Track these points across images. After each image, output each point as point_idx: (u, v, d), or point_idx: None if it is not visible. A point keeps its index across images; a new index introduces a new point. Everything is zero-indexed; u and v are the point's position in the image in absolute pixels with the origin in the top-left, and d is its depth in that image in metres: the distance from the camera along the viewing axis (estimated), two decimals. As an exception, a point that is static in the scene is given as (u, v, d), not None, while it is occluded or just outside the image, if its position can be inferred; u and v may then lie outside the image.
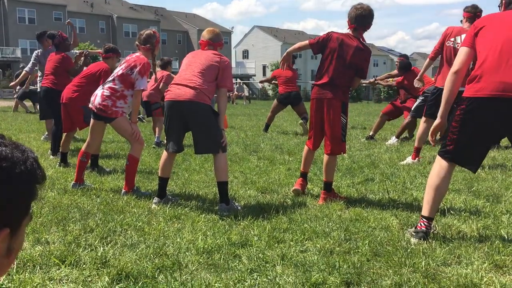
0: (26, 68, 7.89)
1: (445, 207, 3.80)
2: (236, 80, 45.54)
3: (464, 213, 3.67)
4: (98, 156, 5.63)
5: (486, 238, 3.05)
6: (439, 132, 3.16)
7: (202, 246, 2.89)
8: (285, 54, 4.51)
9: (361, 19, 4.02)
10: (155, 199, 3.97)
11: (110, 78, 4.35)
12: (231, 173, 5.11)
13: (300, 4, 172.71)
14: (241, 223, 3.41)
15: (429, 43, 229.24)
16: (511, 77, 2.73)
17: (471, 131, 2.90)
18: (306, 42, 4.24)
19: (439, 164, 3.04)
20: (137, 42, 4.37)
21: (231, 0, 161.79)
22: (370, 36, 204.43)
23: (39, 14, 46.34)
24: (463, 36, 5.52)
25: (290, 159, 6.33)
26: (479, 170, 5.43)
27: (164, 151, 4.03)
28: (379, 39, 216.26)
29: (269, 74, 52.42)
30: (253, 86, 56.30)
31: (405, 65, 8.39)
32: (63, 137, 5.74)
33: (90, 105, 4.38)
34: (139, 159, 4.47)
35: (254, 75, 60.86)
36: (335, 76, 4.01)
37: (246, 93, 37.72)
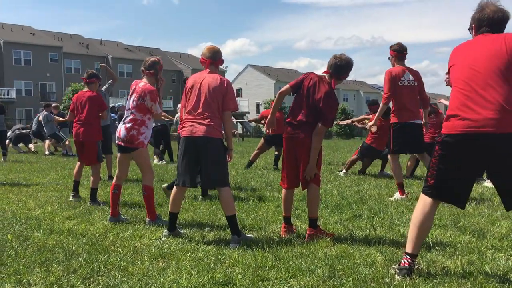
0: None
1: (431, 242, 3.81)
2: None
3: (449, 248, 3.69)
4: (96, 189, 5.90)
5: (470, 274, 3.06)
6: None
7: (185, 285, 2.87)
8: (269, 117, 4.43)
9: (337, 68, 4.09)
10: (165, 232, 4.19)
11: (127, 114, 4.76)
12: (219, 211, 5.12)
13: (292, 43, 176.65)
14: (227, 261, 3.40)
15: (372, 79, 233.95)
16: (478, 113, 2.80)
17: (448, 166, 2.95)
18: (287, 86, 4.20)
19: (423, 201, 3.07)
20: (142, 68, 4.75)
21: (226, 40, 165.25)
22: (362, 74, 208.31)
23: (34, 55, 47.03)
24: (407, 73, 6.04)
25: (280, 195, 6.34)
26: (466, 205, 5.53)
27: (175, 186, 4.15)
28: (371, 77, 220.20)
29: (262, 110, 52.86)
30: (247, 124, 56.70)
31: (374, 103, 9.00)
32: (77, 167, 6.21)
33: (117, 141, 4.76)
34: (153, 188, 4.79)
35: (248, 113, 61.39)
36: (308, 114, 4.06)
37: (239, 130, 37.95)
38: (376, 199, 6.11)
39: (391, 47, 6.22)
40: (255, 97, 70.11)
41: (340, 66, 4.10)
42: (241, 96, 71.10)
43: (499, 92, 2.79)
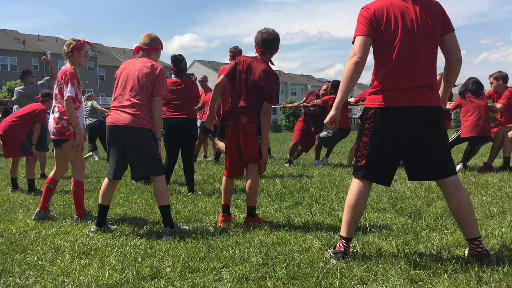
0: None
1: (368, 225, 3.77)
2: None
3: (385, 230, 3.65)
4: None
5: (404, 254, 3.02)
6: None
7: (105, 282, 2.64)
8: (209, 113, 4.26)
9: (267, 42, 4.00)
10: (93, 228, 3.88)
11: (53, 103, 4.42)
12: (155, 204, 4.88)
13: (241, 38, 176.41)
14: (156, 255, 3.19)
15: (365, 74, 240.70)
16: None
17: (379, 144, 2.89)
18: (221, 76, 4.07)
19: (356, 183, 2.99)
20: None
21: (173, 35, 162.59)
22: (310, 69, 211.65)
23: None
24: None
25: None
26: (404, 188, 5.59)
27: (106, 177, 3.91)
28: (319, 71, 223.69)
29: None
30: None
31: (338, 84, 8.53)
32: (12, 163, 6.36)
33: (52, 136, 4.42)
34: (83, 183, 4.51)
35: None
36: (247, 99, 3.94)
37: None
38: (318, 187, 6.07)
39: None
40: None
41: (271, 40, 4.02)
42: (189, 92, 70.19)
43: None
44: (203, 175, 7.52)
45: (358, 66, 2.86)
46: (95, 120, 10.66)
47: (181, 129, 5.80)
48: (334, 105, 2.97)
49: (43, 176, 7.58)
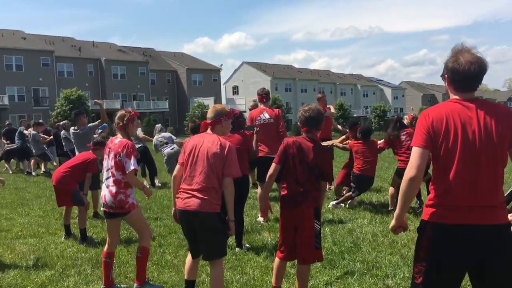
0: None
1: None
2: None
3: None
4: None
5: None
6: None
7: None
8: (263, 201, 4.24)
9: (311, 120, 3.93)
10: None
11: (106, 175, 4.40)
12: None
13: (289, 35, 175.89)
14: None
15: (419, 69, 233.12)
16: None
17: (438, 262, 2.65)
18: (273, 165, 3.99)
19: None
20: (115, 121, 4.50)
21: (222, 34, 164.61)
22: (360, 65, 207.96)
23: (26, 60, 46.68)
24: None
25: (271, 238, 6.04)
26: None
27: (189, 253, 4.03)
28: (368, 68, 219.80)
29: (259, 110, 52.53)
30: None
31: (367, 132, 7.85)
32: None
33: (102, 208, 4.41)
34: (149, 249, 4.55)
35: (245, 112, 61.00)
36: (304, 183, 3.84)
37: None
38: (370, 243, 5.81)
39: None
40: (251, 95, 69.59)
41: (314, 117, 3.93)
42: (238, 94, 70.86)
43: None
44: (251, 217, 7.41)
45: (414, 183, 2.64)
46: (140, 145, 10.85)
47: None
48: (395, 216, 2.79)
49: (96, 215, 7.73)
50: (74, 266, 5.26)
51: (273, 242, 5.91)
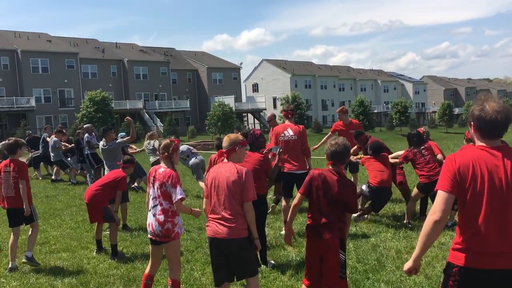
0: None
1: None
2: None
3: None
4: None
5: None
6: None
7: None
8: (287, 229, 4.37)
9: (337, 155, 4.05)
10: None
11: (153, 203, 4.48)
12: None
13: (308, 31, 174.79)
14: None
15: (440, 62, 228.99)
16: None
17: None
18: (298, 195, 4.13)
19: None
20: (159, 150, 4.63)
21: (241, 31, 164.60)
22: (380, 59, 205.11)
23: (52, 62, 47.64)
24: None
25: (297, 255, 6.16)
26: None
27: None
28: (389, 61, 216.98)
29: (279, 107, 52.53)
30: (264, 120, 56.43)
31: (378, 148, 7.80)
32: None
33: (149, 236, 4.53)
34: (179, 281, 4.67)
35: (265, 109, 61.15)
36: (328, 214, 3.96)
37: (257, 127, 37.69)
38: (393, 260, 5.89)
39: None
40: (271, 92, 69.77)
41: (340, 152, 4.05)
42: (258, 92, 70.87)
43: None
44: (275, 230, 7.54)
45: (438, 225, 2.72)
46: (158, 158, 11.04)
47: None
48: (414, 258, 2.87)
49: (125, 227, 7.98)
50: (107, 284, 5.49)
51: (297, 259, 6.04)
